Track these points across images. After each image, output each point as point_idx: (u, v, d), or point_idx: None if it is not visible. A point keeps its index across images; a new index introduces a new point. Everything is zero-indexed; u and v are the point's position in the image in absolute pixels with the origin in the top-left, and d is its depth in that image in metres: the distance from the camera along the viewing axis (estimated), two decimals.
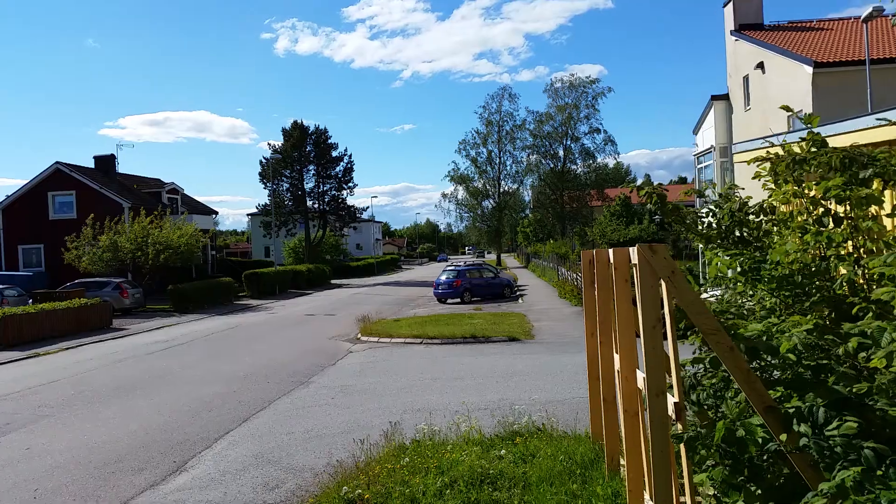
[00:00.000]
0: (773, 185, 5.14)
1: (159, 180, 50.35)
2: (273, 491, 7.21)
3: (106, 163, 46.15)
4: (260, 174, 58.52)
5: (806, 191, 4.77)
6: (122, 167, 48.97)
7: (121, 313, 30.00)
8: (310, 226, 61.34)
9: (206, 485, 7.52)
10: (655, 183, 5.80)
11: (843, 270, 4.59)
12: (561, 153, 67.30)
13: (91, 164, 45.54)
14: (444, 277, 31.70)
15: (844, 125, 6.17)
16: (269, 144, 60.91)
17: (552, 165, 67.82)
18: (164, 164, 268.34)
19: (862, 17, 22.05)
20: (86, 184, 40.96)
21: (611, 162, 71.52)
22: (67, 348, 20.48)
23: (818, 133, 4.74)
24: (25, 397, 13.03)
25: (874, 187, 4.25)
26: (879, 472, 3.17)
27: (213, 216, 56.70)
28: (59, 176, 41.41)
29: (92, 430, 10.28)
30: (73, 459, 8.71)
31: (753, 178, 5.28)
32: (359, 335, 19.91)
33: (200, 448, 8.98)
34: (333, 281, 56.68)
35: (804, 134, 4.85)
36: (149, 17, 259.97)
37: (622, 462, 5.80)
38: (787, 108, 5.58)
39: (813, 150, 4.67)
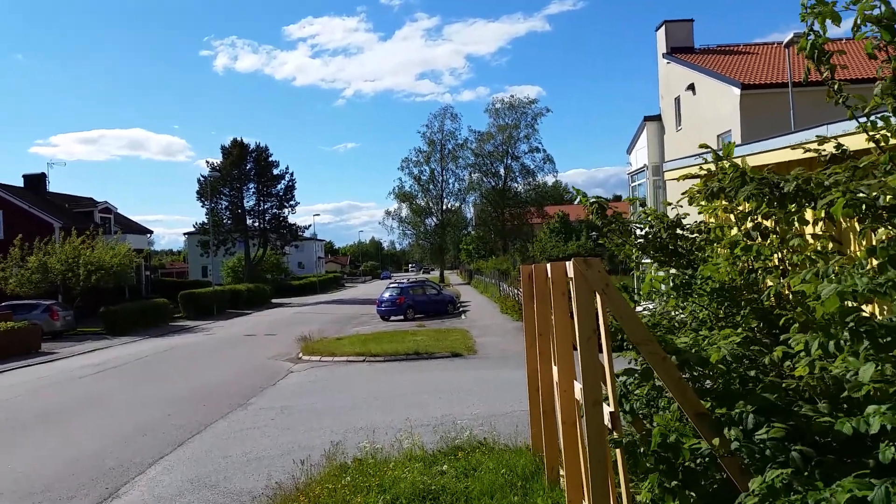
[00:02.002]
0: (703, 203, 5.31)
1: (92, 199, 48.63)
2: None
3: (36, 182, 44.56)
4: (198, 192, 57.27)
5: (736, 206, 4.95)
6: (54, 186, 47.34)
7: (51, 336, 28.71)
8: (250, 245, 60.24)
9: None
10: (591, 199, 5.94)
11: (769, 283, 4.78)
12: (502, 171, 68.77)
13: (20, 184, 43.84)
14: (387, 295, 31.57)
15: (768, 143, 6.44)
16: (207, 162, 59.78)
17: (493, 184, 69.15)
18: (98, 183, 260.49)
19: (784, 43, 23.19)
20: (14, 203, 39.37)
21: (550, 180, 73.09)
22: None
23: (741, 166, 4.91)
24: None
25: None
26: (805, 474, 3.31)
27: (148, 235, 55.21)
28: None
29: (17, 458, 9.80)
30: None
31: (683, 194, 5.44)
32: (300, 354, 19.60)
33: (134, 474, 8.66)
34: (275, 300, 55.68)
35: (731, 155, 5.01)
36: (82, 33, 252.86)
37: (562, 473, 5.86)
38: (704, 146, 5.70)
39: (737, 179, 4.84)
